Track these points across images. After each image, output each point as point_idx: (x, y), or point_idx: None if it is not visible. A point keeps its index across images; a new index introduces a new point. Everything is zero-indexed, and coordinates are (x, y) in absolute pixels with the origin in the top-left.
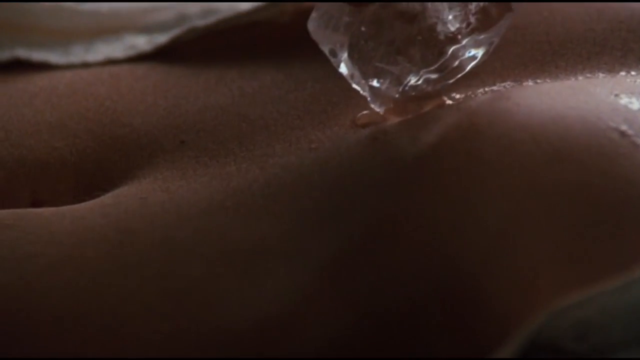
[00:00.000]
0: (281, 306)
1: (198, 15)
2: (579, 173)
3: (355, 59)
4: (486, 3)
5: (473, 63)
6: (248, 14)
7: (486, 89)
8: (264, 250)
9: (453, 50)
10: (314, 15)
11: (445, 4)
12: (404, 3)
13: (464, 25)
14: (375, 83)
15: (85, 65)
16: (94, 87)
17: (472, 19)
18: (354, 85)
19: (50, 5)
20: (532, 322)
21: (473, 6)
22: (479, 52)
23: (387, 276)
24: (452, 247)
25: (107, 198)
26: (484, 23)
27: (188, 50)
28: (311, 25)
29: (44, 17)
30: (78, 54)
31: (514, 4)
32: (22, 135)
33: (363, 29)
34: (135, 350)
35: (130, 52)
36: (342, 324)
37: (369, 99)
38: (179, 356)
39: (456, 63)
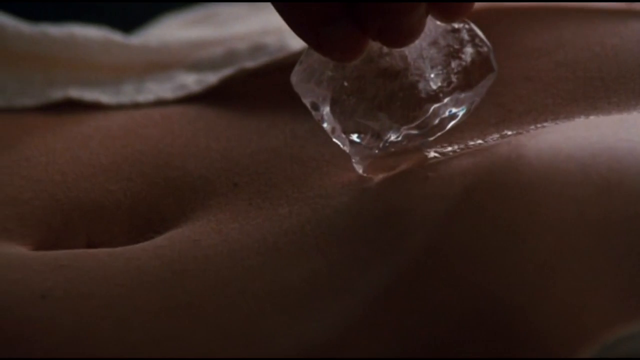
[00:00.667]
0: (329, 338)
1: (247, 53)
2: (629, 204)
3: (336, 113)
4: (468, 63)
5: (453, 122)
6: (298, 54)
7: (538, 125)
8: (313, 287)
9: (434, 109)
10: (297, 68)
11: (427, 62)
12: (386, 60)
13: (445, 84)
14: (355, 138)
15: (136, 105)
16: (147, 130)
17: (454, 78)
18: (335, 140)
19: (101, 40)
20: (585, 354)
21: (455, 65)
22: (460, 111)
23: (433, 310)
24: (498, 279)
25: (160, 240)
26: (465, 82)
27: (238, 90)
28: (294, 78)
29: (95, 52)
30: (129, 94)
31: (496, 65)
32: (78, 178)
33: (345, 84)
34: None
35: (180, 93)
36: (388, 355)
37: (348, 152)
38: None
39: (437, 121)
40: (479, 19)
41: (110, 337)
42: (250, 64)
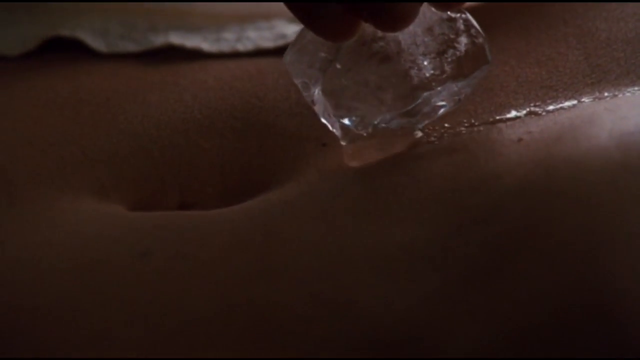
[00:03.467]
0: (426, 308)
1: None
2: None
3: (327, 94)
4: (462, 53)
5: (443, 110)
6: None
7: (635, 88)
8: (410, 255)
9: (425, 96)
10: (291, 47)
11: (421, 49)
12: (380, 44)
13: (438, 72)
14: (345, 121)
15: (235, 54)
16: (241, 82)
17: (447, 67)
18: (323, 121)
19: None
20: None
21: (449, 54)
22: (451, 101)
23: (529, 285)
24: (603, 259)
25: (253, 202)
26: (459, 72)
27: None
28: (287, 58)
29: (198, 1)
30: (229, 42)
31: (490, 56)
32: (173, 134)
33: (338, 66)
34: (283, 355)
35: (280, 42)
36: (483, 330)
37: (337, 135)
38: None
39: (427, 108)
40: None
41: (208, 298)
42: None
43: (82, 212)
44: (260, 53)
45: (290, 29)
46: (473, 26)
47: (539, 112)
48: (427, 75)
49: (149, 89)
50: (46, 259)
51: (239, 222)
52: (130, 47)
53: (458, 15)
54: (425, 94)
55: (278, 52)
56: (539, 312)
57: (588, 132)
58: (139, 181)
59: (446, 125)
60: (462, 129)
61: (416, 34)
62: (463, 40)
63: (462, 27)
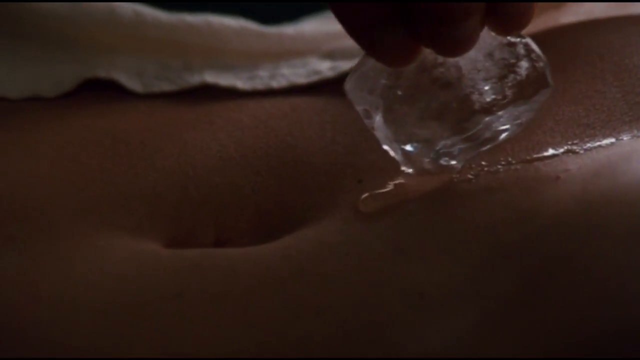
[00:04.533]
0: (462, 346)
1: None
2: None
3: (389, 121)
4: (523, 77)
5: (505, 135)
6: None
7: None
8: (445, 292)
9: (487, 121)
10: (351, 75)
11: (481, 74)
12: (440, 70)
13: (499, 97)
14: (407, 147)
15: (270, 91)
16: (276, 121)
17: (508, 92)
18: (385, 147)
19: (237, 29)
20: None
21: (510, 79)
22: (512, 125)
23: (563, 320)
24: (636, 293)
25: (287, 240)
26: (520, 97)
27: None
28: (348, 85)
29: (231, 40)
30: (263, 80)
31: (552, 80)
32: (209, 172)
33: (399, 92)
34: None
35: (314, 78)
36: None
37: (400, 161)
38: None
39: (489, 133)
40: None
41: (241, 337)
42: None
43: (118, 250)
44: (294, 90)
45: (324, 65)
46: (533, 50)
47: (577, 150)
48: (488, 100)
49: (184, 128)
50: (83, 298)
51: (274, 261)
52: (166, 86)
53: (518, 39)
54: (487, 118)
55: (312, 89)
56: (575, 338)
57: (625, 168)
58: (175, 219)
59: (483, 163)
60: (499, 167)
61: (477, 59)
62: (524, 64)
63: (522, 51)
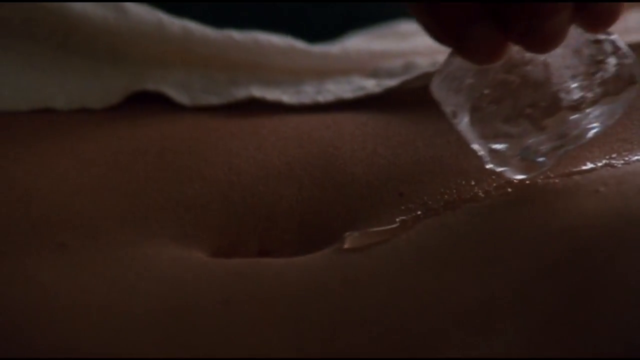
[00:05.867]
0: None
1: (427, 65)
2: None
3: (476, 120)
4: (611, 75)
5: (593, 132)
6: None
7: None
8: (489, 308)
9: (574, 119)
10: (437, 76)
11: (569, 72)
12: (528, 68)
13: (587, 94)
14: (495, 145)
15: (316, 106)
16: (319, 132)
17: (596, 89)
18: (473, 146)
19: (284, 47)
20: None
21: (598, 77)
22: (601, 122)
23: (608, 334)
24: None
25: (331, 251)
26: (607, 94)
27: (405, 98)
28: (434, 86)
29: (278, 57)
30: (309, 94)
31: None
32: (253, 181)
33: (486, 91)
34: None
35: (359, 93)
36: None
37: (487, 159)
38: None
39: (577, 131)
40: None
41: (289, 347)
42: (431, 69)
43: (165, 259)
44: (337, 106)
45: (369, 83)
46: (621, 47)
47: (615, 164)
48: (576, 97)
49: (230, 138)
50: (131, 305)
51: (319, 271)
52: (213, 100)
53: (605, 36)
54: (575, 116)
55: (356, 104)
56: (620, 348)
57: None
58: (220, 228)
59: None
60: (539, 181)
61: (564, 57)
62: (611, 61)
63: (610, 48)
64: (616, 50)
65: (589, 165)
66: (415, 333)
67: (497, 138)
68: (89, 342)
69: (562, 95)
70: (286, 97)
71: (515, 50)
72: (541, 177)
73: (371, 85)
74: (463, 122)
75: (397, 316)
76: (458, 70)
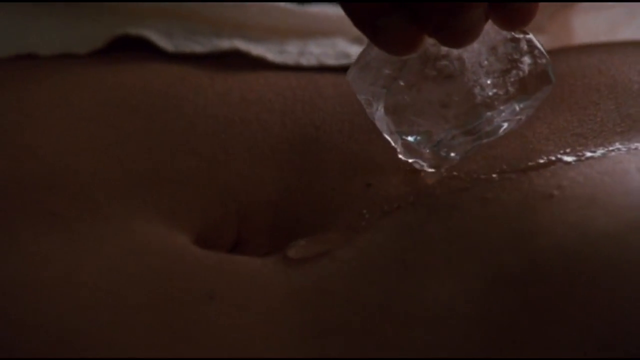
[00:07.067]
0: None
1: None
2: None
3: (390, 112)
4: (526, 73)
5: (503, 129)
6: None
7: None
8: (450, 311)
9: (488, 115)
10: (354, 65)
11: (484, 68)
12: (444, 62)
13: (501, 92)
14: (408, 137)
15: (298, 67)
16: (301, 105)
17: (510, 87)
18: (386, 136)
19: (265, 5)
20: None
21: (512, 75)
22: (513, 120)
23: (568, 351)
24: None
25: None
26: (521, 92)
27: None
28: (350, 75)
29: (259, 16)
30: (292, 55)
31: (554, 77)
32: (238, 162)
33: (401, 83)
34: None
35: (342, 61)
36: None
37: (399, 151)
38: None
39: (489, 127)
40: None
41: (264, 349)
42: None
43: (153, 240)
44: (321, 69)
45: (353, 49)
46: (537, 47)
47: (569, 160)
48: (490, 94)
49: (218, 104)
50: (119, 287)
51: (295, 279)
52: (197, 48)
53: (522, 35)
54: (488, 113)
55: (340, 70)
56: (583, 349)
57: (620, 196)
58: (204, 209)
59: (478, 170)
60: (494, 175)
61: (480, 53)
62: (526, 60)
63: (525, 47)
64: (532, 49)
65: (544, 159)
66: (380, 338)
67: (410, 130)
68: (73, 321)
69: (476, 91)
70: (270, 54)
71: (431, 43)
72: (497, 170)
73: (355, 52)
74: (378, 112)
75: (365, 322)
76: (375, 60)
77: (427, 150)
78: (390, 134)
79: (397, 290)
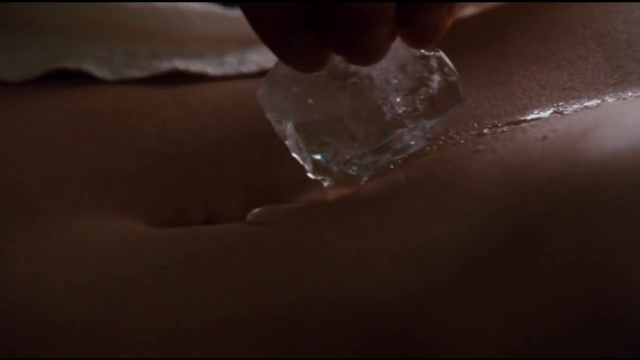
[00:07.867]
0: (444, 304)
1: None
2: None
3: (299, 130)
4: (435, 91)
5: (413, 148)
6: None
7: None
8: (432, 252)
9: (397, 133)
10: (264, 82)
11: (393, 86)
12: (353, 79)
13: (410, 109)
14: (317, 156)
15: (240, 75)
16: (254, 100)
17: (420, 105)
18: (294, 155)
19: (202, 11)
20: None
21: (422, 92)
22: (423, 138)
23: (550, 284)
24: (619, 255)
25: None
26: (431, 110)
27: None
28: (260, 92)
29: (197, 23)
30: (232, 65)
31: (464, 94)
32: (190, 151)
33: (310, 101)
34: (303, 356)
35: None
36: (501, 330)
37: (308, 169)
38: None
39: (399, 145)
40: None
41: (226, 304)
42: None
43: (100, 229)
44: (264, 74)
45: None
46: (446, 64)
47: (564, 111)
48: (400, 112)
49: (161, 109)
50: (63, 275)
51: (260, 234)
52: (136, 73)
53: (432, 53)
54: (398, 130)
55: None
56: (561, 315)
57: (615, 130)
58: (159, 198)
59: (468, 127)
60: (486, 130)
61: (389, 71)
62: (436, 78)
63: (435, 65)
64: (442, 67)
65: (537, 114)
66: (354, 281)
67: (319, 149)
68: (19, 312)
69: (386, 109)
70: (210, 68)
71: (339, 60)
72: (489, 125)
73: None
74: (286, 130)
75: (338, 267)
76: (284, 77)
77: (336, 169)
78: (299, 152)
79: (376, 234)
